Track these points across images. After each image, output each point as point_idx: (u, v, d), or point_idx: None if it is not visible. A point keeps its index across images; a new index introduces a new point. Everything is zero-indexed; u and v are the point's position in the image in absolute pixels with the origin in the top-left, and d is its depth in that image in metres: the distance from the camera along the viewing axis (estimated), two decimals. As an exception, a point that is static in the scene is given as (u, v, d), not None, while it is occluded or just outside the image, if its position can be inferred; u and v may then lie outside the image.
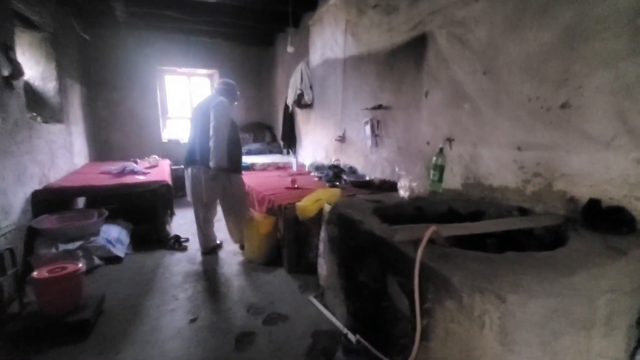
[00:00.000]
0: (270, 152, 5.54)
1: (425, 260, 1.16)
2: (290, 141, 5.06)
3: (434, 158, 2.26)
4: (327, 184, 3.18)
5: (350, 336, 1.63)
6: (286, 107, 4.90)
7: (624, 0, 1.41)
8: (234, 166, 2.83)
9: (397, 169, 2.34)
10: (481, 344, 1.00)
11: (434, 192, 2.26)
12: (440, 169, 2.25)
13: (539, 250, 1.55)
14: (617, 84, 1.45)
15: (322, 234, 2.17)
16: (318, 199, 2.43)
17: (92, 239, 2.68)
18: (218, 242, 3.14)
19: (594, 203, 1.51)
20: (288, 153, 5.25)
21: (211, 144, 2.63)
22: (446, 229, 1.41)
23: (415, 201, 2.09)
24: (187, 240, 3.25)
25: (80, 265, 1.94)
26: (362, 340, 1.56)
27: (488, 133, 2.07)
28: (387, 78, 2.91)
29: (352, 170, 3.47)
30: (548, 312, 0.95)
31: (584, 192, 1.63)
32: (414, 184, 2.13)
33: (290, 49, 4.17)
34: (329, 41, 3.82)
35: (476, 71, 2.10)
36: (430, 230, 1.26)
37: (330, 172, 3.43)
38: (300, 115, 4.85)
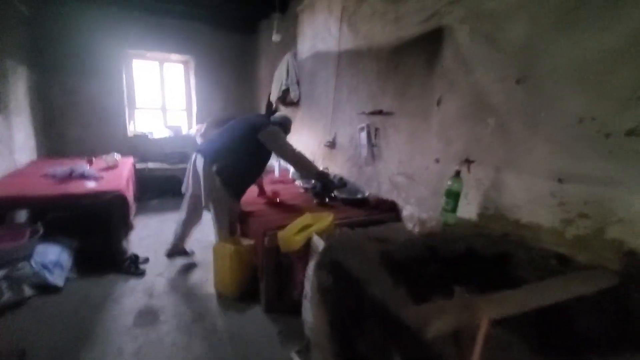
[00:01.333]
0: (251, 151, 5.02)
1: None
2: (272, 141, 4.55)
3: (449, 182, 1.85)
4: (315, 199, 2.74)
5: None
6: (269, 103, 4.39)
7: None
8: (240, 188, 2.52)
9: (403, 195, 1.91)
10: None
11: (446, 224, 1.87)
12: (455, 197, 1.85)
13: (606, 329, 1.19)
14: None
15: (311, 275, 1.73)
16: (305, 226, 1.99)
17: (21, 264, 2.14)
18: (188, 250, 2.83)
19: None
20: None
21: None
22: (491, 305, 1.00)
23: (427, 239, 1.68)
24: (146, 260, 2.75)
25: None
26: None
27: (518, 156, 1.68)
28: (390, 79, 2.47)
29: (343, 182, 3.03)
30: None
31: (649, 245, 1.26)
32: (424, 216, 1.73)
33: (275, 38, 3.66)
34: (320, 31, 3.33)
35: (507, 78, 1.69)
36: (484, 322, 0.84)
37: (319, 184, 2.98)
38: (285, 113, 4.35)
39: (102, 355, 1.73)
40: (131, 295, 2.28)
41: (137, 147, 4.97)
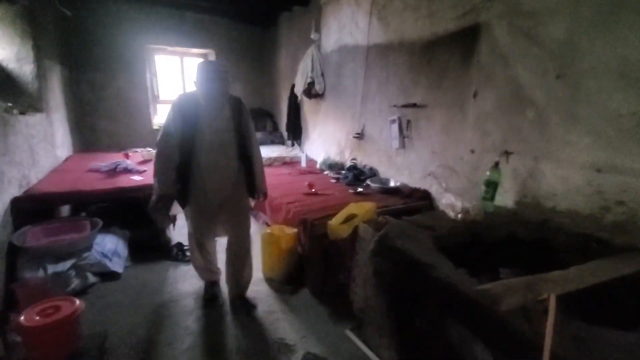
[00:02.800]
0: (272, 142, 5.15)
1: (557, 349, 0.88)
2: (295, 132, 4.68)
3: (488, 173, 1.97)
4: (349, 189, 2.87)
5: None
6: (292, 94, 4.49)
7: None
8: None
9: (444, 185, 2.04)
10: None
11: (487, 211, 1.99)
12: (494, 186, 1.97)
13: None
14: None
15: (365, 261, 1.88)
16: (350, 215, 2.13)
17: (85, 254, 2.32)
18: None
19: None
20: (292, 145, 4.88)
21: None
22: (551, 283, 1.13)
23: (470, 225, 1.82)
24: (191, 248, 2.92)
25: (77, 303, 1.60)
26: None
27: (556, 148, 1.79)
28: (423, 72, 2.56)
29: (373, 172, 3.17)
30: None
31: (684, 229, 1.38)
32: (469, 206, 1.86)
33: (314, 36, 3.79)
34: (347, 24, 3.40)
35: (547, 73, 1.79)
36: (552, 298, 0.98)
37: (350, 174, 3.12)
38: (307, 105, 4.46)
39: (174, 333, 1.91)
40: (185, 281, 2.46)
41: (162, 139, 5.10)
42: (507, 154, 2.00)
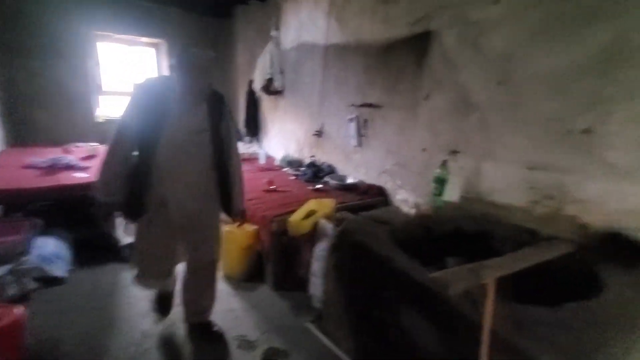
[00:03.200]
0: (229, 137, 5.03)
1: (496, 328, 1.01)
2: (254, 128, 4.63)
3: (437, 171, 2.13)
4: (308, 186, 2.92)
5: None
6: (250, 90, 4.43)
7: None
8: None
9: (398, 182, 2.16)
10: None
11: (436, 206, 2.15)
12: (442, 183, 2.13)
13: (568, 286, 1.53)
14: (653, 117, 1.41)
15: (324, 256, 1.94)
16: (310, 211, 2.18)
17: (23, 258, 2.13)
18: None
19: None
20: (250, 141, 4.82)
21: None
22: (491, 269, 1.28)
23: (421, 220, 1.96)
24: (144, 248, 2.80)
25: (20, 310, 1.49)
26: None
27: (496, 147, 1.98)
28: (379, 74, 2.68)
29: (331, 169, 3.24)
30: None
31: (596, 220, 1.62)
32: (421, 201, 1.99)
33: (275, 34, 3.75)
34: (306, 23, 3.43)
35: (489, 80, 1.97)
36: (492, 282, 1.11)
37: (309, 171, 3.18)
38: (266, 101, 4.42)
39: (131, 337, 1.83)
40: (139, 283, 2.36)
41: (107, 133, 4.78)
42: (454, 153, 2.17)
